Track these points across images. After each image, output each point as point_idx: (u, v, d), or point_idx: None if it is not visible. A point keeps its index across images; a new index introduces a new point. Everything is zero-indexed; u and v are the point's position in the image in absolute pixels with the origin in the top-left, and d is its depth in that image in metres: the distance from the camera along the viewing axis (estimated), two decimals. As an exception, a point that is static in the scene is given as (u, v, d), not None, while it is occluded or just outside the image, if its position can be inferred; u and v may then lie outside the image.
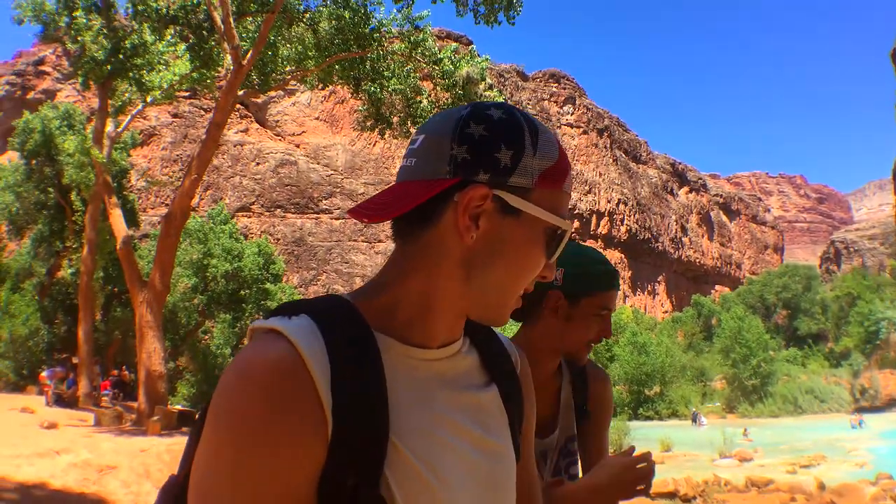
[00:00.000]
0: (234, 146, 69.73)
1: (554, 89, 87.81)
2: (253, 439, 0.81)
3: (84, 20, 17.39)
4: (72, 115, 29.97)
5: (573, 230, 1.06)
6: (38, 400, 22.82)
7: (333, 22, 16.39)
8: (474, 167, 0.94)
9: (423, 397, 0.97)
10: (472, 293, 0.99)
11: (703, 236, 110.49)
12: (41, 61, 69.74)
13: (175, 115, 67.55)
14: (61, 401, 22.60)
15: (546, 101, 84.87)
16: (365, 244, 67.30)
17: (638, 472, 1.73)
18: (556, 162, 0.99)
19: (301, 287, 63.51)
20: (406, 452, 0.90)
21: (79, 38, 17.91)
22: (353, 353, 0.90)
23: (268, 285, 36.54)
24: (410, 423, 0.93)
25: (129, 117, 23.89)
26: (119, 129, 23.01)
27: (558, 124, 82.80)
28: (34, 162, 30.11)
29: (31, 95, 64.84)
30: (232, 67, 17.38)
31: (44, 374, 24.00)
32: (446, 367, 1.03)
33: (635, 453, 1.79)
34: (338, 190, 69.48)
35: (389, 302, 0.99)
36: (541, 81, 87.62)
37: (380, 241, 67.15)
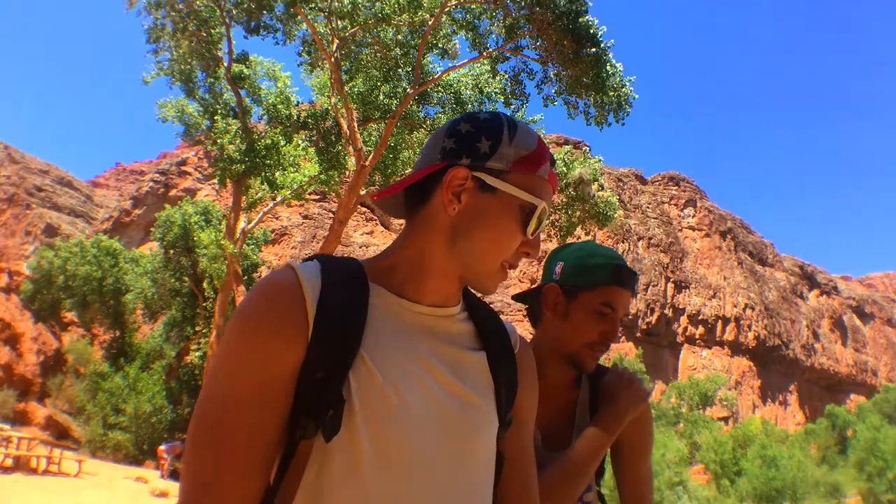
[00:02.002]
0: (360, 247, 72.11)
1: (674, 192, 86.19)
2: (250, 331, 1.06)
3: (223, 124, 18.89)
4: (209, 211, 32.12)
5: (548, 210, 1.22)
6: (153, 473, 23.87)
7: (450, 128, 17.12)
8: (458, 154, 1.17)
9: (405, 337, 1.15)
10: (456, 258, 1.18)
11: (836, 342, 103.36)
12: (184, 162, 75.44)
13: (305, 217, 70.83)
14: (176, 475, 23.49)
15: (666, 205, 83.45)
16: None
17: (630, 379, 1.82)
18: (532, 151, 1.19)
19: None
20: (371, 365, 1.08)
21: (218, 141, 19.43)
22: (342, 286, 1.12)
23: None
24: (384, 349, 1.11)
25: (260, 214, 25.27)
26: (251, 225, 24.36)
27: (679, 227, 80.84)
28: (172, 252, 32.28)
29: (172, 193, 69.88)
30: (355, 168, 18.39)
31: (162, 447, 25.08)
32: (435, 323, 1.20)
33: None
34: (458, 292, 70.50)
35: (390, 264, 1.21)
36: (660, 185, 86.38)
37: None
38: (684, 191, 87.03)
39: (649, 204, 78.61)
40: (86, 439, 29.81)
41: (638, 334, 66.07)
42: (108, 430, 29.53)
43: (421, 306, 1.19)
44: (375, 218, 74.19)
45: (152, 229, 33.70)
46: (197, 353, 32.11)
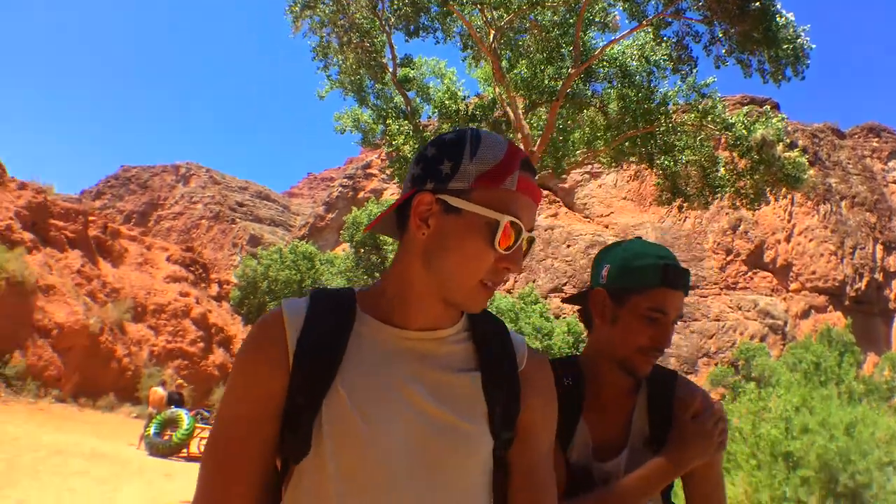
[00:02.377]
0: (545, 230, 71.90)
1: (875, 144, 77.92)
2: (242, 361, 1.24)
3: (395, 126, 19.73)
4: (394, 209, 33.59)
5: (515, 220, 1.19)
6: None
7: (619, 102, 16.76)
8: (424, 179, 1.22)
9: (386, 364, 1.23)
10: (433, 280, 1.23)
11: None
12: (368, 165, 78.73)
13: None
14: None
15: (868, 159, 75.89)
16: (681, 323, 64.77)
17: (714, 424, 1.67)
18: (495, 164, 1.19)
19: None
20: (343, 393, 1.18)
21: (392, 143, 20.31)
22: (326, 319, 1.24)
23: (580, 362, 37.07)
24: (362, 376, 1.21)
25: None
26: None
27: (884, 183, 73.30)
28: (362, 251, 34.12)
29: (360, 195, 73.21)
30: (524, 156, 18.46)
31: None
32: (422, 347, 1.26)
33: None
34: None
35: (380, 291, 1.31)
36: (859, 137, 78.42)
37: (695, 319, 64.27)
38: (886, 142, 78.94)
39: (849, 159, 72.20)
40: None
41: (846, 303, 60.99)
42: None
43: (408, 331, 1.26)
44: (559, 200, 73.72)
45: (341, 232, 35.80)
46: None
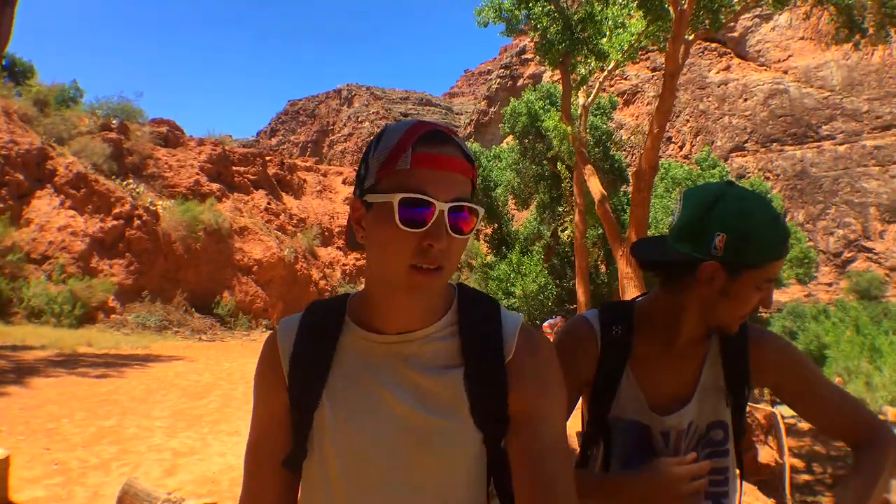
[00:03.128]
0: (718, 86, 68.16)
1: None
2: (255, 386, 1.38)
3: (539, 9, 19.08)
4: (552, 93, 32.75)
5: (410, 196, 1.15)
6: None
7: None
8: (356, 184, 1.29)
9: (367, 372, 1.29)
10: (375, 276, 1.29)
11: None
12: (523, 51, 76.85)
13: (654, 70, 68.54)
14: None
15: None
16: (877, 168, 59.72)
17: (686, 485, 1.55)
18: (388, 151, 1.20)
19: (809, 223, 59.60)
20: (327, 408, 1.27)
21: (537, 27, 19.71)
22: (313, 338, 1.32)
23: (764, 226, 35.46)
24: (344, 389, 1.28)
25: (596, 85, 25.23)
26: (590, 99, 24.49)
27: None
28: (527, 141, 33.79)
29: (520, 82, 71.89)
30: (673, 16, 17.46)
31: (545, 323, 27.14)
32: (402, 350, 1.29)
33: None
34: (838, 112, 62.87)
35: (363, 296, 1.35)
36: None
37: (893, 162, 59.12)
38: None
39: None
40: (486, 324, 33.30)
41: None
42: (503, 312, 32.65)
43: (386, 336, 1.29)
44: (729, 51, 69.37)
45: (501, 124, 35.55)
46: (566, 232, 33.60)
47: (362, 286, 1.39)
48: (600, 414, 1.70)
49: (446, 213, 1.17)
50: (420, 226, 1.16)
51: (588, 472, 1.66)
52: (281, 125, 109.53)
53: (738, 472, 1.75)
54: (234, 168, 32.26)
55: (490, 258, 37.35)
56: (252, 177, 33.18)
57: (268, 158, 36.20)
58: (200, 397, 10.83)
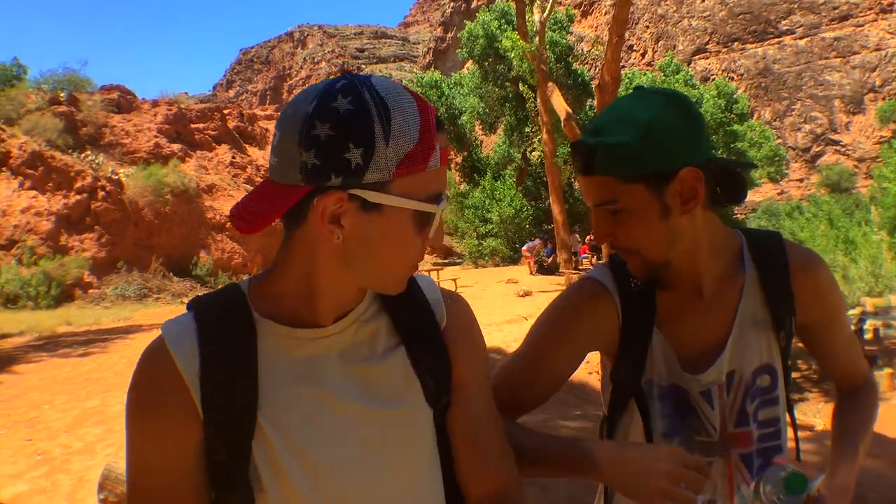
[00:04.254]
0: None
1: None
2: (139, 420, 1.01)
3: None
4: (508, 12, 32.19)
5: (443, 204, 1.04)
6: (524, 270, 26.27)
7: None
8: (325, 172, 0.93)
9: (304, 376, 1.05)
10: (354, 278, 1.05)
11: None
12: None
13: (608, -24, 67.49)
14: (543, 269, 25.70)
15: None
16: (839, 60, 59.61)
17: (678, 471, 1.20)
18: (415, 144, 0.96)
19: (776, 120, 59.65)
20: (269, 431, 1.01)
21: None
22: (224, 347, 1.02)
23: (734, 126, 35.49)
24: (282, 402, 1.03)
25: (550, 0, 24.80)
26: (546, 14, 24.09)
27: None
28: (486, 64, 33.29)
29: (474, 4, 70.68)
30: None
31: (524, 247, 27.30)
32: (338, 342, 1.08)
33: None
34: (796, 5, 62.52)
35: (278, 290, 1.07)
36: None
37: (854, 52, 58.91)
38: None
39: None
40: (466, 252, 33.49)
41: None
42: (481, 239, 32.84)
43: (319, 329, 1.07)
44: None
45: (457, 50, 35.01)
46: (536, 152, 33.48)
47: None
48: (630, 381, 1.47)
49: None
50: (430, 231, 1.05)
51: (541, 434, 1.43)
52: (236, 76, 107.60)
53: (788, 419, 1.53)
54: (193, 126, 31.54)
55: (463, 187, 37.25)
56: (212, 132, 32.51)
57: (226, 112, 35.43)
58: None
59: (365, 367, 1.10)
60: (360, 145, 0.92)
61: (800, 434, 1.57)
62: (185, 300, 17.87)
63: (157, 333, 1.04)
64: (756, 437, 1.45)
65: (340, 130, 0.92)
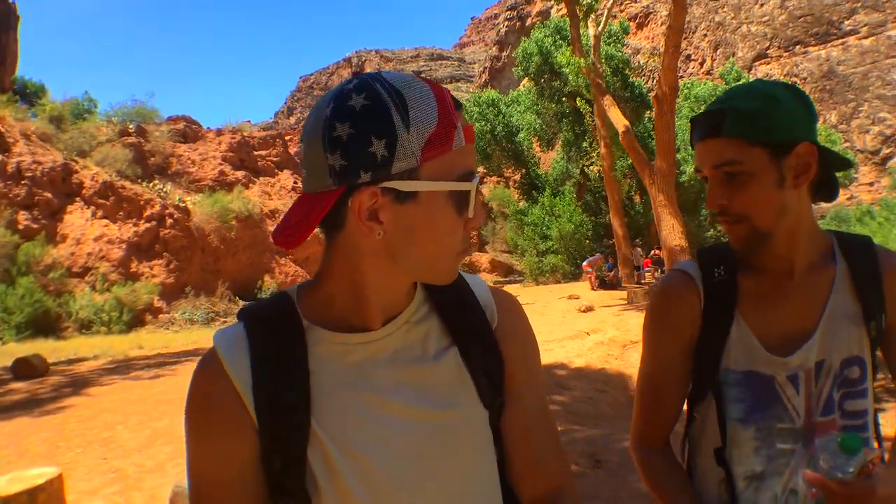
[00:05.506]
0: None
1: None
2: (195, 432, 1.03)
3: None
4: (561, 28, 32.17)
5: (479, 177, 1.04)
6: (585, 286, 26.02)
7: None
8: (354, 170, 0.94)
9: (356, 383, 1.05)
10: (403, 271, 1.04)
11: None
12: (529, -13, 75.47)
13: (664, -13, 66.92)
14: (605, 284, 25.36)
15: None
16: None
17: None
18: (436, 126, 0.96)
19: (843, 123, 58.02)
20: (324, 438, 1.01)
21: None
22: (275, 355, 1.03)
23: (796, 133, 34.80)
24: (336, 409, 1.03)
25: (605, 12, 24.69)
26: (600, 28, 23.99)
27: None
28: (542, 80, 33.29)
29: (528, 22, 70.71)
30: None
31: (584, 262, 27.02)
32: (389, 345, 1.08)
33: None
34: (859, 4, 60.89)
35: (326, 296, 1.08)
36: None
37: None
38: None
39: None
40: (527, 269, 33.33)
41: None
42: (541, 256, 32.65)
43: (370, 333, 1.08)
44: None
45: (514, 69, 35.10)
46: (595, 167, 33.23)
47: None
48: (708, 368, 1.51)
49: None
50: (472, 214, 1.03)
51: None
52: (296, 102, 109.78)
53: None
54: (256, 153, 32.36)
55: (522, 204, 37.16)
56: (275, 158, 33.29)
57: (288, 138, 36.23)
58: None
59: (418, 369, 1.09)
60: (383, 137, 0.93)
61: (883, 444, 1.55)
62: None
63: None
64: (840, 426, 1.45)
65: (360, 127, 0.93)
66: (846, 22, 61.14)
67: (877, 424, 1.53)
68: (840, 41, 61.27)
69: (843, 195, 53.28)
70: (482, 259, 39.33)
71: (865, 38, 59.90)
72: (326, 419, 1.02)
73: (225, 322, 22.02)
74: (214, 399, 1.02)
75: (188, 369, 12.25)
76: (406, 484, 1.04)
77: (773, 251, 1.45)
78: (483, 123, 36.34)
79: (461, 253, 1.05)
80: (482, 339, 1.15)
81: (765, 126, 1.36)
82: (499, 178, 42.84)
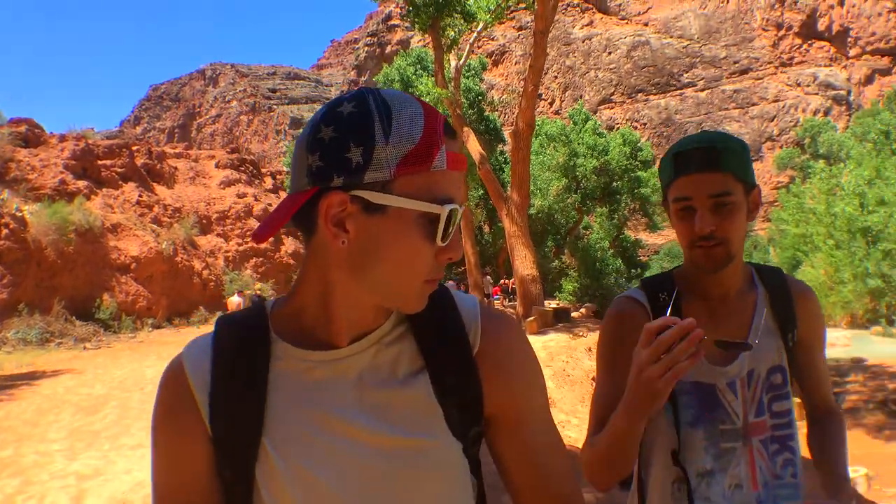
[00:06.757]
0: (583, 42, 69.65)
1: None
2: (156, 434, 1.05)
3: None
4: (423, 58, 32.73)
5: (458, 206, 0.99)
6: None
7: None
8: (328, 172, 0.94)
9: (315, 401, 1.03)
10: (366, 290, 1.01)
11: None
12: (388, 17, 76.36)
13: (520, 29, 69.44)
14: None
15: None
16: (737, 111, 62.94)
17: (651, 351, 1.30)
18: (417, 143, 0.95)
19: (677, 166, 61.85)
20: (273, 455, 1.00)
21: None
22: (236, 368, 1.03)
23: (638, 173, 36.75)
24: (290, 427, 1.02)
25: (466, 47, 25.32)
26: (461, 62, 24.55)
27: None
28: (401, 108, 33.69)
29: (388, 49, 71.50)
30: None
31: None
32: (355, 364, 1.05)
33: None
34: (697, 59, 65.70)
35: (295, 309, 1.07)
36: None
37: (753, 104, 62.20)
38: None
39: None
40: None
41: None
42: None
43: (335, 351, 1.05)
44: (591, 6, 70.89)
45: (373, 95, 35.38)
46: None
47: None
48: None
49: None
50: (443, 239, 0.99)
51: (593, 440, 1.59)
52: (145, 112, 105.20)
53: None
54: (101, 162, 30.51)
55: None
56: (120, 169, 31.53)
57: (135, 149, 34.43)
58: (95, 411, 10.36)
59: (384, 392, 1.05)
60: (361, 144, 0.93)
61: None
62: (89, 345, 16.98)
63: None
64: (770, 425, 1.68)
65: (342, 131, 0.94)
66: (685, 75, 65.81)
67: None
68: (678, 92, 65.82)
69: (675, 234, 56.95)
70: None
71: (701, 90, 64.71)
72: (279, 437, 1.01)
73: (61, 343, 20.61)
74: (174, 407, 1.03)
75: (27, 394, 11.48)
76: None
77: (724, 274, 1.68)
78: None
79: (429, 282, 1.02)
80: (458, 364, 1.09)
81: (747, 167, 1.61)
82: (354, 202, 42.71)
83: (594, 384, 1.75)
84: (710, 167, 1.58)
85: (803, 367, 1.78)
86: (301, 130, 1.05)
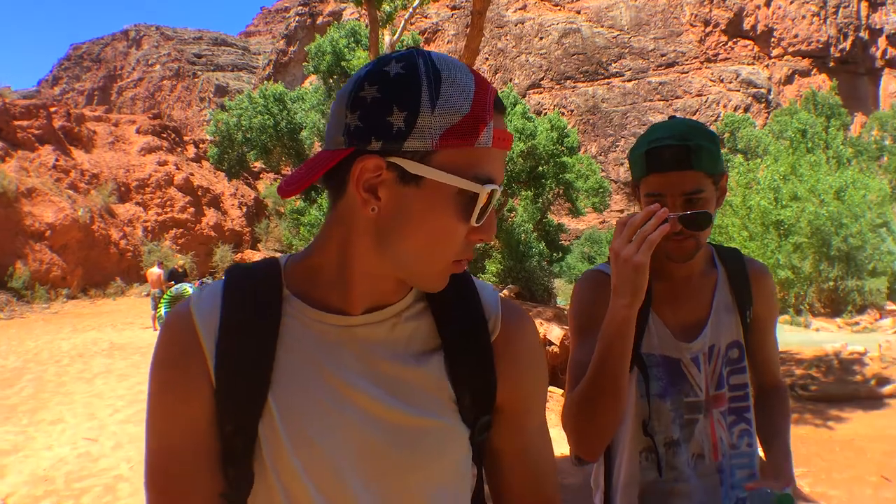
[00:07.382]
0: (515, 25, 69.79)
1: None
2: (157, 383, 1.00)
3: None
4: (357, 31, 32.33)
5: (498, 187, 0.95)
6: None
7: None
8: (366, 135, 0.89)
9: (325, 363, 0.99)
10: (388, 262, 0.97)
11: None
12: (322, -13, 75.14)
13: (454, 8, 69.28)
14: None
15: None
16: (662, 103, 64.13)
17: (626, 232, 1.50)
18: (465, 115, 0.90)
19: (601, 155, 63.06)
20: (276, 414, 0.96)
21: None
22: (246, 320, 0.98)
23: (564, 158, 37.12)
24: (297, 386, 0.98)
25: (402, 22, 25.10)
26: (396, 37, 24.30)
27: None
28: (331, 80, 33.21)
29: (320, 20, 70.39)
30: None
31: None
32: (370, 333, 1.02)
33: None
34: (626, 50, 66.57)
35: (313, 267, 1.03)
36: None
37: (677, 97, 63.55)
38: None
39: None
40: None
41: (831, 64, 59.70)
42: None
43: (348, 318, 1.01)
44: (527, -10, 71.16)
45: (304, 64, 34.76)
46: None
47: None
48: (633, 351, 1.67)
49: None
50: (477, 219, 0.95)
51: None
52: (64, 72, 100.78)
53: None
54: (16, 123, 29.11)
55: (299, 203, 36.72)
56: (37, 131, 30.18)
57: (53, 110, 32.98)
58: (10, 384, 9.97)
59: (396, 367, 1.02)
60: (405, 109, 0.88)
61: None
62: (1, 315, 16.34)
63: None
64: (728, 397, 1.79)
65: (386, 93, 0.89)
66: (613, 64, 66.76)
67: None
68: (606, 81, 66.75)
69: (596, 219, 57.92)
70: (254, 258, 38.29)
71: (628, 81, 65.80)
72: (284, 395, 0.98)
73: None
74: (177, 351, 0.99)
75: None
76: (353, 479, 0.99)
77: (695, 260, 1.77)
78: (266, 117, 35.55)
79: (456, 263, 0.99)
80: (475, 349, 1.07)
81: (717, 162, 1.68)
82: (277, 175, 42.12)
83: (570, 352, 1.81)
84: (682, 167, 1.64)
85: (756, 343, 1.88)
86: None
